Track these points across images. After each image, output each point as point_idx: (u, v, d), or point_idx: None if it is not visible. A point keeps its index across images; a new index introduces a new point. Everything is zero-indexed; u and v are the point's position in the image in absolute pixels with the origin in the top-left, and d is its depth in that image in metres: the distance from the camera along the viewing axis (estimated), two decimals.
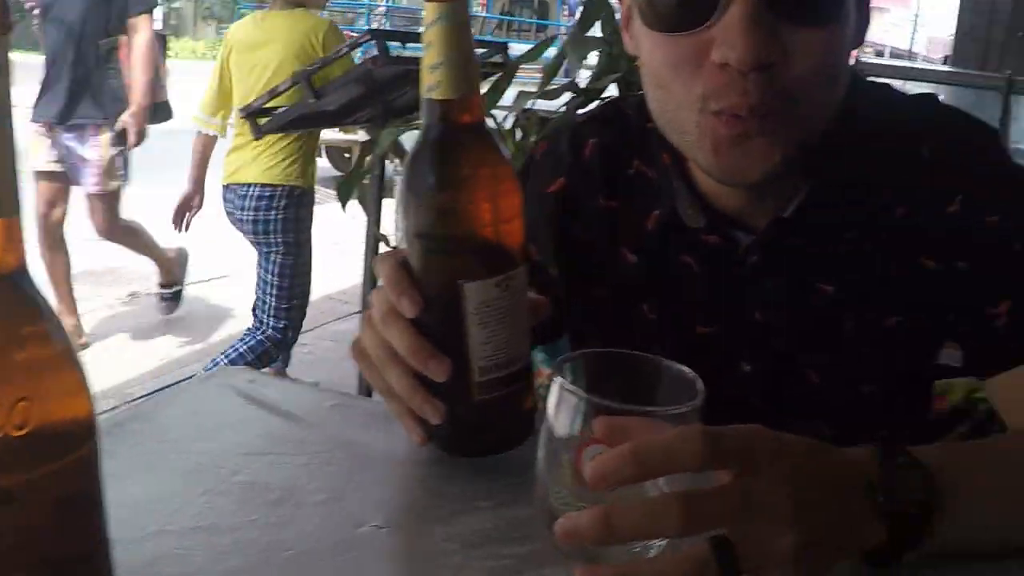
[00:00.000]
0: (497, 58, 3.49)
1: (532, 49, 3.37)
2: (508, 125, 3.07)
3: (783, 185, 1.16)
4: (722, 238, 1.21)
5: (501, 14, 26.35)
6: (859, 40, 1.12)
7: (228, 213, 4.37)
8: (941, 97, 1.24)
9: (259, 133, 3.55)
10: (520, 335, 1.00)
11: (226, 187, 4.35)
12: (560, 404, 0.78)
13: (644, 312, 1.29)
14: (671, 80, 1.07)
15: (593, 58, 3.12)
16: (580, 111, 2.95)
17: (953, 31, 6.65)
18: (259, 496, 1.00)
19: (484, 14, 24.46)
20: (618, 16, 1.22)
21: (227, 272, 6.70)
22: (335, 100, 3.32)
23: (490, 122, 3.03)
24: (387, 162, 3.71)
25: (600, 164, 1.32)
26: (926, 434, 1.25)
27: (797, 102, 1.04)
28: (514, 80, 3.12)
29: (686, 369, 0.82)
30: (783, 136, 1.05)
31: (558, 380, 0.78)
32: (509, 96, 3.11)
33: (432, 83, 0.93)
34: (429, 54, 0.92)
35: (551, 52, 3.41)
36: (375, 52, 3.05)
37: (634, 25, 1.12)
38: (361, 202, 3.58)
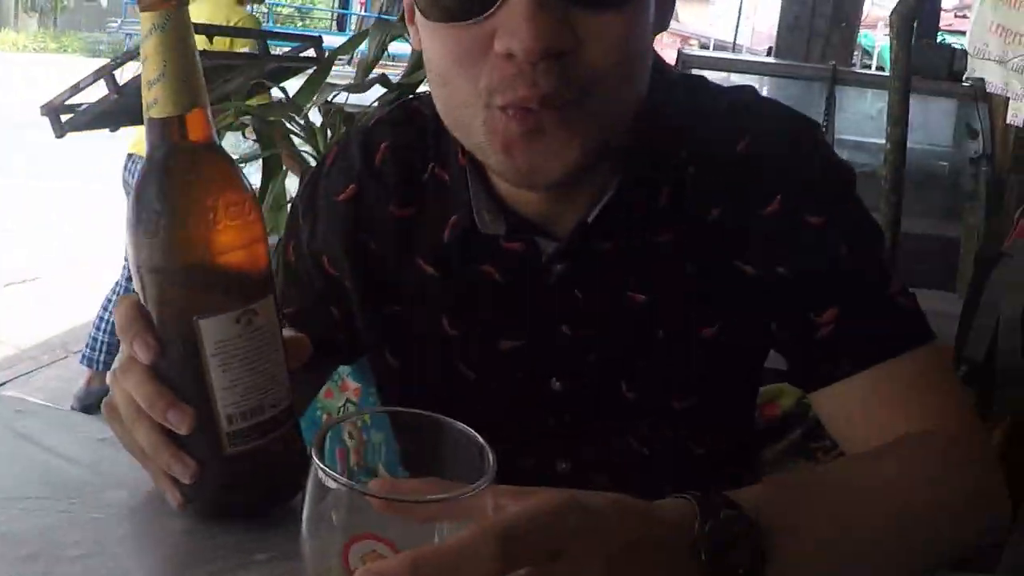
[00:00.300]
0: (310, 52, 3.39)
1: (347, 42, 3.28)
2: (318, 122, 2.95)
3: (587, 186, 1.06)
4: (525, 245, 1.12)
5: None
6: (662, 26, 1.04)
7: (124, 182, 4.44)
8: (765, 89, 1.19)
9: (61, 132, 3.38)
10: (272, 376, 0.89)
11: (129, 156, 4.44)
12: (316, 490, 0.65)
13: (444, 327, 1.18)
14: (454, 75, 0.96)
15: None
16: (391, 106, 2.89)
17: (776, 22, 6.75)
18: (9, 551, 0.87)
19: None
20: None
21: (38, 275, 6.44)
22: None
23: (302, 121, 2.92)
24: None
25: (393, 169, 1.20)
26: (756, 443, 1.20)
27: (594, 93, 0.94)
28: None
29: (472, 433, 0.70)
30: (581, 130, 0.95)
31: (314, 461, 0.65)
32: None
33: (151, 100, 0.84)
34: (147, 68, 0.83)
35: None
36: None
37: (416, 17, 1.01)
38: None
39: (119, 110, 3.29)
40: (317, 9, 27.95)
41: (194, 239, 0.85)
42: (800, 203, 1.08)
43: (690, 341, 1.12)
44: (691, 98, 1.14)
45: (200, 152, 0.86)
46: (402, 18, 1.23)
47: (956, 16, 17.24)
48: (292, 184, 3.24)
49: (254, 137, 3.09)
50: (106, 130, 3.91)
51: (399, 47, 4.39)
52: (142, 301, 0.88)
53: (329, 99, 2.87)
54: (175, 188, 0.85)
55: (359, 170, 1.21)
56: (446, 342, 1.18)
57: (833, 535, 0.86)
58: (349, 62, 5.94)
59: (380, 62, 3.12)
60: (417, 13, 1.00)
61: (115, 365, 0.91)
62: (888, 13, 3.19)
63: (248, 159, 2.92)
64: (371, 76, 2.96)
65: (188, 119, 0.84)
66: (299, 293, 1.26)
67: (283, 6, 24.83)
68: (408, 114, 1.23)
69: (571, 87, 0.92)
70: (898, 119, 2.93)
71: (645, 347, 1.12)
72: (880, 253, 1.12)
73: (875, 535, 0.89)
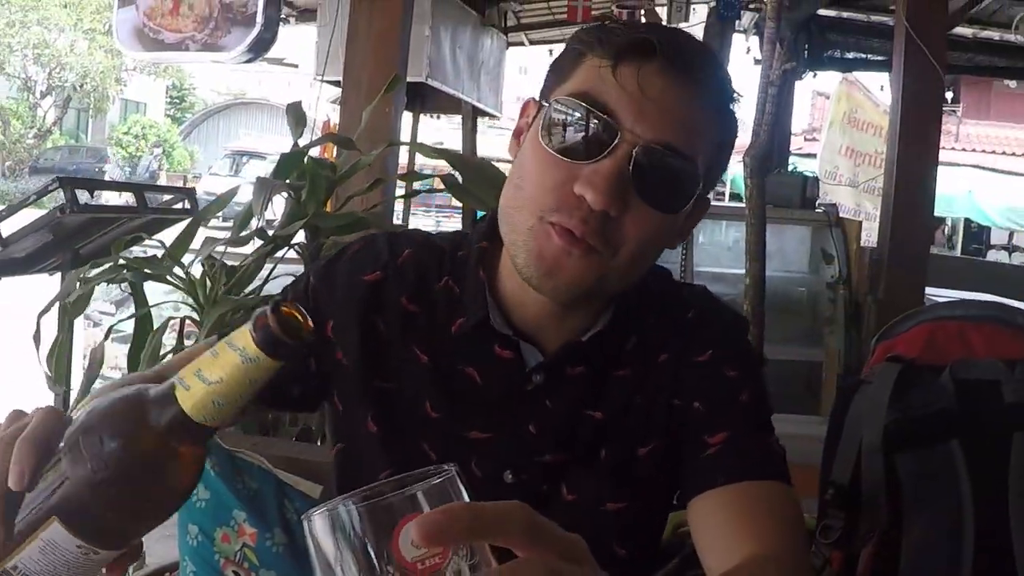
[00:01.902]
0: (185, 204, 3.44)
1: (221, 196, 3.34)
2: (197, 274, 2.99)
3: (579, 317, 1.36)
4: (514, 355, 1.36)
5: None
6: (681, 237, 1.38)
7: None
8: None
9: None
10: None
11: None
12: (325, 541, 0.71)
13: (427, 409, 1.39)
14: (532, 187, 1.25)
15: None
16: (270, 258, 2.97)
17: None
18: None
19: None
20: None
21: None
22: (23, 247, 3.20)
23: (179, 271, 2.96)
24: None
25: (412, 272, 1.44)
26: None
27: (617, 255, 1.24)
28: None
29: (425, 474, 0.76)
30: (597, 271, 1.24)
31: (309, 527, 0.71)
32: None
33: (189, 385, 0.87)
34: (212, 368, 0.87)
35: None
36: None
37: (527, 135, 1.31)
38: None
39: (3, 261, 3.28)
40: None
41: (123, 497, 0.90)
42: (723, 359, 1.39)
43: (626, 457, 1.38)
44: (661, 281, 1.46)
45: (187, 447, 0.91)
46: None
47: (806, 140, 17.83)
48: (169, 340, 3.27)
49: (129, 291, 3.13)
50: None
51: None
52: (47, 467, 0.92)
53: (211, 253, 2.92)
54: (148, 455, 0.89)
55: (386, 261, 1.44)
56: (425, 423, 1.39)
57: None
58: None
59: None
60: (531, 133, 1.29)
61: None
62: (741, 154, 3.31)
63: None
64: (247, 231, 3.02)
65: (199, 426, 0.88)
66: None
67: None
68: (427, 240, 1.49)
69: (606, 245, 1.23)
70: (756, 255, 3.08)
71: (590, 457, 1.37)
72: (768, 404, 1.41)
73: None
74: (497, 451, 1.37)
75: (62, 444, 0.92)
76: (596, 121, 1.21)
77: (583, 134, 1.22)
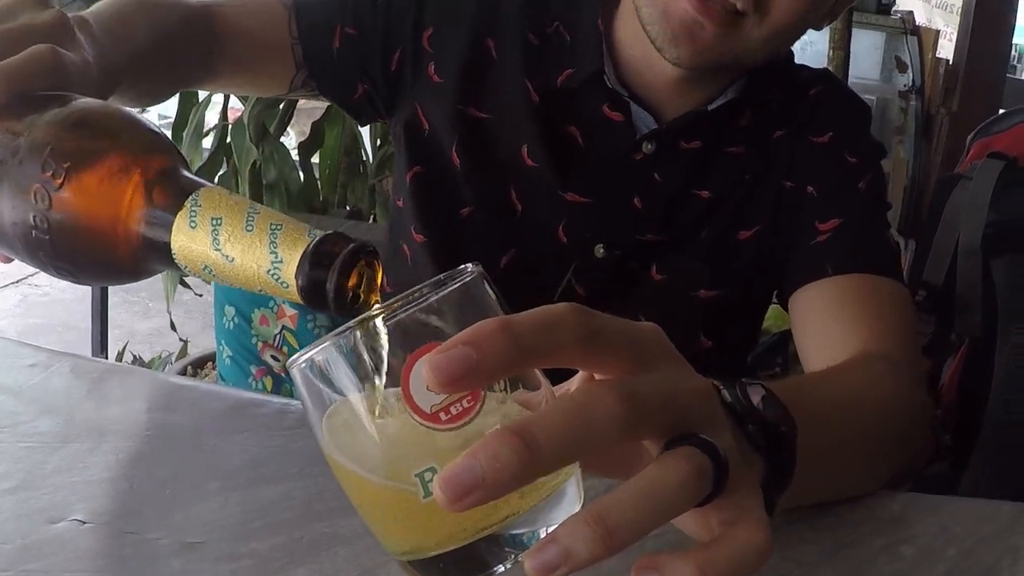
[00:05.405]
0: None
1: None
2: None
3: (711, 85, 1.23)
4: (624, 118, 1.23)
5: None
6: (832, 16, 1.25)
7: None
8: None
9: None
10: None
11: None
12: (319, 374, 0.52)
13: (523, 154, 1.27)
14: None
15: None
16: None
17: None
18: None
19: None
20: None
21: None
22: None
23: None
24: None
25: (534, 6, 1.29)
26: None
27: (763, 21, 1.10)
28: None
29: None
30: (734, 43, 1.11)
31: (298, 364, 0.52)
32: None
33: (196, 233, 0.66)
34: (233, 241, 0.65)
35: None
36: None
37: None
38: None
39: None
40: None
41: (47, 253, 0.70)
42: (844, 143, 1.27)
43: (728, 240, 1.27)
44: (788, 58, 1.32)
45: (152, 266, 0.72)
46: None
47: None
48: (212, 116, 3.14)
49: None
50: None
51: None
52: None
53: None
54: (109, 257, 0.70)
55: None
56: (517, 168, 1.26)
57: (827, 438, 0.81)
58: None
59: None
60: None
61: None
62: None
63: None
64: None
65: (172, 261, 0.68)
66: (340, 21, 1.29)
67: None
68: None
69: (756, 7, 1.08)
70: (839, 43, 3.02)
71: (689, 238, 1.27)
72: (886, 197, 1.31)
73: (856, 442, 0.89)
74: (593, 219, 1.26)
75: (28, 132, 0.71)
76: None
77: None
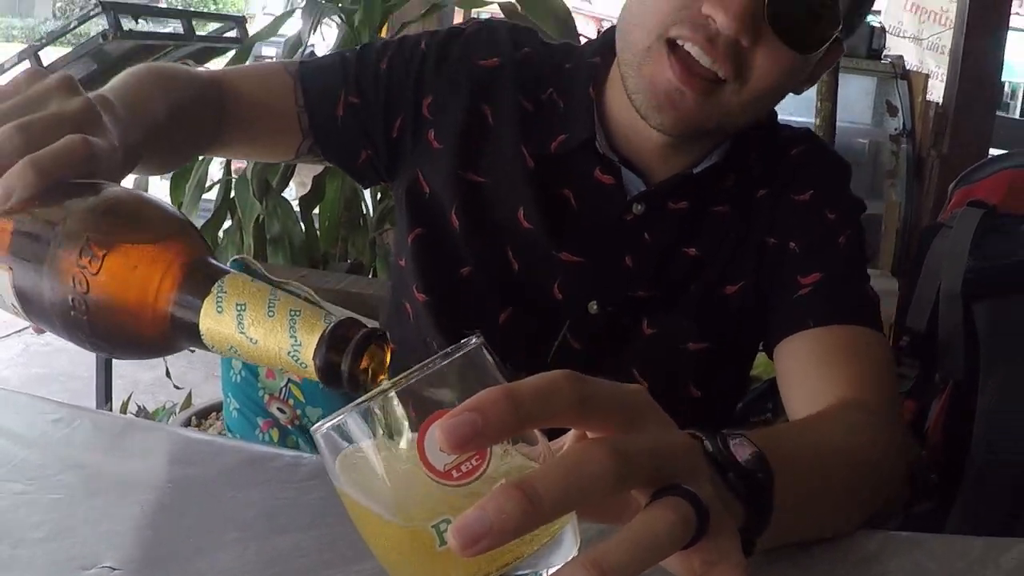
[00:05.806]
0: (234, 33, 3.33)
1: (272, 23, 3.22)
2: None
3: (696, 149, 1.27)
4: (615, 181, 1.28)
5: None
6: (810, 82, 1.28)
7: None
8: None
9: None
10: None
11: None
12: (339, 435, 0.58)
13: (519, 216, 1.31)
14: (659, 4, 1.13)
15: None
16: None
17: None
18: None
19: None
20: None
21: None
22: None
23: None
24: None
25: (531, 73, 1.35)
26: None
27: (743, 88, 1.14)
28: None
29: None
30: (715, 109, 1.15)
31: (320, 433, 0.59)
32: None
33: (223, 317, 0.71)
34: (256, 325, 0.70)
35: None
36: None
37: None
38: None
39: None
40: None
41: (83, 331, 0.76)
42: (824, 200, 1.30)
43: (715, 294, 1.31)
44: (769, 119, 1.35)
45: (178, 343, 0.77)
46: None
47: None
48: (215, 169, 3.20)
49: None
50: None
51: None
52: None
53: None
54: (140, 333, 0.76)
55: (507, 52, 1.36)
56: (514, 229, 1.31)
57: (806, 484, 0.86)
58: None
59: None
60: None
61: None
62: None
63: None
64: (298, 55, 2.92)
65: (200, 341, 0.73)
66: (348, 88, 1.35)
67: None
68: (544, 44, 1.40)
69: (736, 75, 1.13)
70: (827, 95, 2.99)
71: (678, 294, 1.30)
72: (864, 252, 1.33)
73: (834, 488, 0.94)
74: (587, 278, 1.30)
75: (63, 218, 0.76)
76: None
77: None
